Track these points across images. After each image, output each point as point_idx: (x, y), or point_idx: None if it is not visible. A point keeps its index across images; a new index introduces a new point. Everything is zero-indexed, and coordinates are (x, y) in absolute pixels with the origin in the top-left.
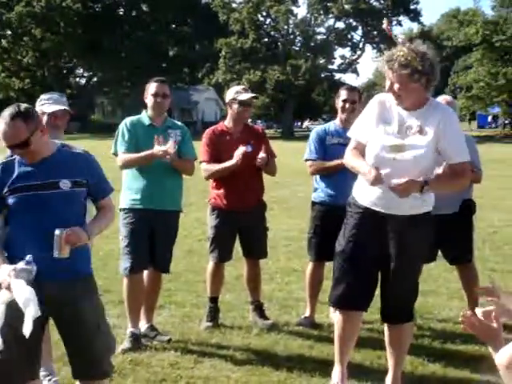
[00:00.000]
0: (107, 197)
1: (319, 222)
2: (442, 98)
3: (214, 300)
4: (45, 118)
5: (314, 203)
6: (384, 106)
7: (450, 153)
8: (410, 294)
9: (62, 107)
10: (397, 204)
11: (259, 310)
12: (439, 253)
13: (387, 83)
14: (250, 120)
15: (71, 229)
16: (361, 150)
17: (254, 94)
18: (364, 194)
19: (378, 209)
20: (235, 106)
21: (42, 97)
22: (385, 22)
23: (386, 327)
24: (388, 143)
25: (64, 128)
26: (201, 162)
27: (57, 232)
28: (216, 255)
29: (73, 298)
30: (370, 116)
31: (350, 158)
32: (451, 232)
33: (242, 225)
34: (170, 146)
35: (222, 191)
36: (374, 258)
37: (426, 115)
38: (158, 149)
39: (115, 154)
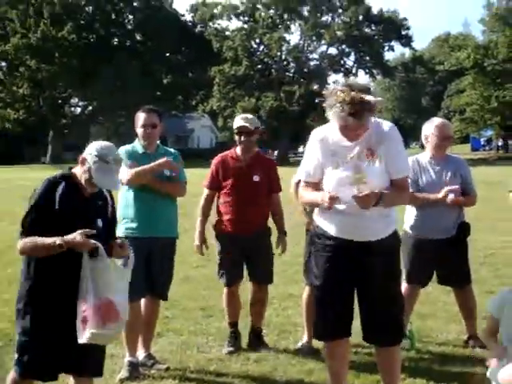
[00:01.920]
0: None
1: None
2: (437, 122)
3: (233, 325)
4: None
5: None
6: (327, 142)
7: (394, 169)
8: (392, 315)
9: None
10: (364, 230)
11: (257, 336)
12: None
13: (340, 124)
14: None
15: None
16: (312, 188)
17: (244, 124)
18: (331, 225)
19: (347, 237)
20: (238, 136)
21: None
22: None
23: (375, 351)
24: (347, 176)
25: None
26: (204, 186)
27: None
28: (224, 279)
29: None
30: (314, 154)
31: (304, 196)
32: (447, 256)
33: (247, 249)
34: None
35: (224, 217)
36: (351, 286)
37: (371, 138)
38: (164, 160)
39: None
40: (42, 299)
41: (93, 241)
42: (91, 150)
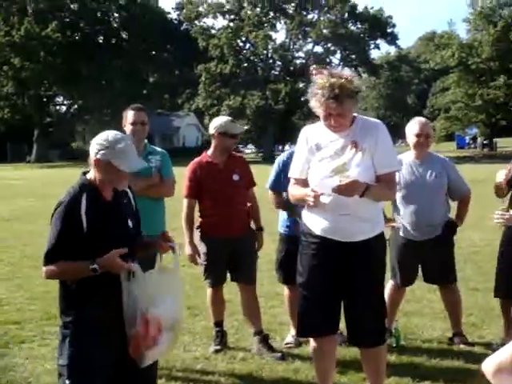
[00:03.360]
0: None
1: (290, 245)
2: (413, 120)
3: (218, 324)
4: None
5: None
6: (313, 137)
7: (380, 163)
8: (375, 316)
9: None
10: (349, 231)
11: (265, 341)
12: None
13: (323, 114)
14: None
15: None
16: (301, 185)
17: (245, 127)
18: (317, 224)
19: (332, 237)
20: (225, 139)
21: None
22: (312, 68)
23: (360, 351)
24: (329, 167)
25: None
26: (184, 197)
27: None
28: (210, 281)
29: None
30: (302, 151)
31: (292, 193)
32: (433, 255)
33: (233, 250)
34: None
35: (208, 220)
36: (336, 285)
37: (357, 132)
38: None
39: None
40: (89, 323)
41: (130, 264)
42: (99, 147)
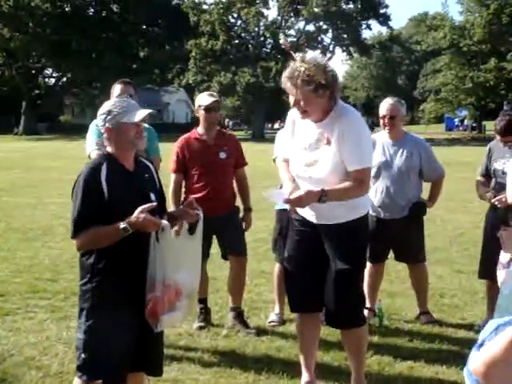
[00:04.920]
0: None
1: (285, 223)
2: (384, 101)
3: (202, 301)
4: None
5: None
6: (295, 122)
7: (346, 160)
8: (351, 298)
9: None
10: (323, 214)
11: (240, 317)
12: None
13: (291, 99)
14: (227, 121)
15: None
16: (287, 164)
17: (215, 98)
18: None
19: (309, 219)
20: (202, 112)
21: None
22: (282, 38)
23: (340, 332)
24: (302, 160)
25: None
26: (171, 172)
27: None
28: None
29: None
30: (287, 133)
31: (279, 171)
32: (401, 234)
33: (218, 228)
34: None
35: (198, 197)
36: (316, 264)
37: (330, 125)
38: None
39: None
40: (109, 298)
41: (163, 221)
42: (103, 117)
